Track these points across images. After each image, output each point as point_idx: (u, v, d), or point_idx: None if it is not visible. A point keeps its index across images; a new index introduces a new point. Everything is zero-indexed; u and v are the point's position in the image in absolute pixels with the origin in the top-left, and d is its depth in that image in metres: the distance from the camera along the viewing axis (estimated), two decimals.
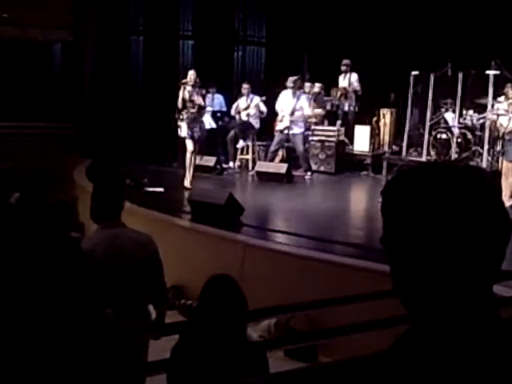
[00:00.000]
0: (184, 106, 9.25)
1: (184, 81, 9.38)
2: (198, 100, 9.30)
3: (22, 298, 0.96)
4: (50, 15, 12.52)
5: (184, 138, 9.41)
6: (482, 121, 10.10)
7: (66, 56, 13.35)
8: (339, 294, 4.48)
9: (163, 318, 3.69)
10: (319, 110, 11.57)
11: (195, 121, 9.30)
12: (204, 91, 9.74)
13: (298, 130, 10.74)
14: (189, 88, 9.26)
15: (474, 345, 0.93)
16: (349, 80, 11.94)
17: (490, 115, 9.66)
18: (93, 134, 12.52)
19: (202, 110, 9.49)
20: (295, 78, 10.80)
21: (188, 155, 9.34)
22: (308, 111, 10.84)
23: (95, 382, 1.02)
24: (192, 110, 9.23)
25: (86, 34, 13.15)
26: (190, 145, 9.32)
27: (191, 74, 9.37)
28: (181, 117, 9.31)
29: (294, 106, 10.65)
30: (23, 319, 0.96)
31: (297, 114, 10.64)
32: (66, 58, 13.34)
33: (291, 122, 10.67)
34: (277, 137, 10.87)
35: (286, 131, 10.72)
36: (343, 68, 11.97)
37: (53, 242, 1.03)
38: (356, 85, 11.94)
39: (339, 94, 12.15)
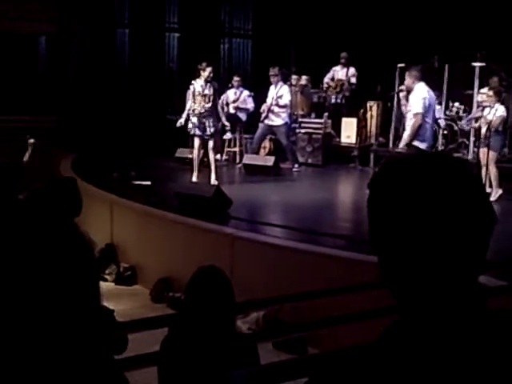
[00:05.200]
0: (194, 101, 9.03)
1: (202, 66, 9.03)
2: (211, 93, 9.03)
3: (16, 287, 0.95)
4: (35, 7, 12.40)
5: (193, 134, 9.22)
6: (469, 126, 10.11)
7: (51, 49, 13.24)
8: (328, 286, 4.50)
9: None
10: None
11: (207, 116, 9.04)
12: (216, 84, 9.45)
13: (279, 121, 10.72)
14: (201, 82, 9.01)
15: (461, 335, 0.94)
16: (347, 72, 11.94)
17: (475, 115, 9.72)
18: (78, 127, 12.45)
19: (214, 103, 9.21)
20: (276, 67, 10.78)
21: (195, 152, 9.22)
22: (286, 100, 10.73)
23: (88, 376, 1.02)
24: (206, 106, 8.99)
25: (71, 27, 13.04)
26: (196, 142, 9.17)
27: (210, 70, 9.02)
28: (191, 112, 9.10)
29: (274, 96, 10.67)
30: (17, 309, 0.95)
31: (278, 103, 10.63)
32: (51, 51, 13.22)
33: (272, 112, 10.68)
34: (259, 128, 10.89)
35: (266, 121, 10.73)
36: (342, 61, 11.95)
37: (54, 225, 1.02)
38: (353, 79, 11.93)
39: (326, 86, 12.16)
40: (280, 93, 10.70)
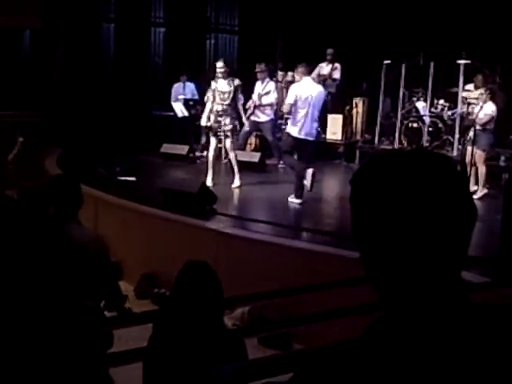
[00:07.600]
0: (214, 99, 8.77)
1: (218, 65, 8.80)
2: (231, 90, 8.79)
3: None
4: (19, 1, 12.27)
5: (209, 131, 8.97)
6: (453, 116, 10.20)
7: (35, 43, 13.11)
8: (312, 282, 4.51)
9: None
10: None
11: (223, 115, 8.79)
12: (238, 80, 9.11)
13: (265, 117, 10.67)
14: (221, 79, 8.77)
15: (445, 330, 0.94)
16: (331, 69, 11.93)
17: (460, 110, 9.78)
18: (63, 122, 12.35)
19: (234, 101, 8.93)
20: (262, 63, 10.73)
21: (211, 152, 8.91)
22: (272, 97, 10.70)
23: (72, 372, 1.01)
24: (225, 103, 8.73)
25: (55, 21, 12.93)
26: (212, 142, 8.92)
27: (221, 65, 8.77)
28: (210, 110, 8.84)
29: (260, 92, 10.62)
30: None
31: (263, 99, 10.58)
32: (36, 45, 13.10)
33: (258, 109, 10.61)
34: (245, 125, 10.84)
35: (251, 118, 10.67)
36: (328, 57, 11.91)
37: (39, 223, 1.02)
38: (336, 74, 11.91)
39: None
40: (266, 89, 10.66)
